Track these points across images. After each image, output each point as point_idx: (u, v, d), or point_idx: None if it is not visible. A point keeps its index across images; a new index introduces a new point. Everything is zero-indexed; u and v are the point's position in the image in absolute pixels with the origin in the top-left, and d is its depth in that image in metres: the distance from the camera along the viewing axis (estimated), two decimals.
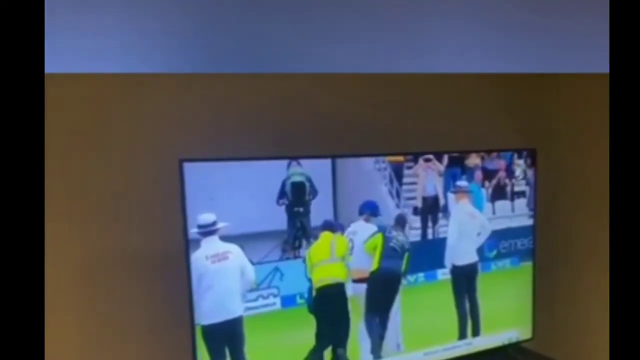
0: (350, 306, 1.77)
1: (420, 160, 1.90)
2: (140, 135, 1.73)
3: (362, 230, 1.80)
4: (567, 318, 2.43)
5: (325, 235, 1.73)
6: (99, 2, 0.97)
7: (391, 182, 1.86)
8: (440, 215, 1.94)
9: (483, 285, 2.04)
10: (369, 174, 1.83)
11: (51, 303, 1.61)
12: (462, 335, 2.01)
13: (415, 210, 1.90)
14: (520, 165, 2.08)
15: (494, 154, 2.04)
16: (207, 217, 1.55)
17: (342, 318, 1.76)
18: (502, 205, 2.07)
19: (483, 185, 2.02)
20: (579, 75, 2.23)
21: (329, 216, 1.74)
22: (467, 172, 1.98)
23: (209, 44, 1.29)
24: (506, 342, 2.09)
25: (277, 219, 1.66)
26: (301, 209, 1.69)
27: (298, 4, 1.02)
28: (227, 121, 1.85)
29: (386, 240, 1.82)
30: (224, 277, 1.60)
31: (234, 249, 1.60)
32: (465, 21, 1.18)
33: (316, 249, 1.72)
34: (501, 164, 2.06)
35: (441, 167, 1.93)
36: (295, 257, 1.70)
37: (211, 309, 1.60)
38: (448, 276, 1.97)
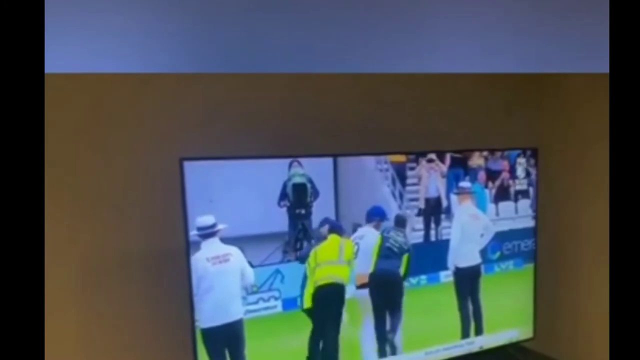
0: (346, 308, 1.75)
1: (423, 161, 1.89)
2: (140, 135, 1.73)
3: (370, 235, 1.80)
4: (568, 318, 2.43)
5: (334, 238, 1.73)
6: (99, 2, 0.97)
7: (393, 183, 1.85)
8: (443, 216, 1.93)
9: (485, 286, 2.03)
10: (370, 175, 1.82)
11: (51, 303, 1.60)
12: (464, 336, 2.00)
13: (418, 212, 1.89)
14: (522, 164, 2.07)
15: (498, 154, 2.03)
16: (206, 220, 1.54)
17: (337, 318, 1.75)
18: (506, 206, 2.06)
19: (486, 186, 2.01)
20: (579, 75, 2.23)
21: (331, 217, 1.74)
22: (470, 172, 1.97)
23: (209, 44, 1.29)
24: (507, 341, 2.09)
25: (279, 220, 1.66)
26: (303, 211, 1.68)
27: (298, 5, 1.02)
28: (227, 121, 1.85)
29: (383, 240, 1.82)
30: (225, 280, 1.59)
31: (234, 251, 1.59)
32: (466, 21, 1.18)
33: (324, 248, 1.72)
34: (504, 164, 2.05)
35: (444, 168, 1.92)
36: (297, 260, 1.69)
37: (211, 311, 1.59)
38: (451, 278, 1.96)
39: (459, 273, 1.97)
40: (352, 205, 1.77)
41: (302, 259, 1.70)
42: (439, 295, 1.96)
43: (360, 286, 1.80)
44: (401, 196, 1.86)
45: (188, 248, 1.54)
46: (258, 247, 1.63)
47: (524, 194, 2.09)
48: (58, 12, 0.97)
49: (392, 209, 1.85)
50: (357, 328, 1.80)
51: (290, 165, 1.66)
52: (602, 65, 1.54)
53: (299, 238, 1.69)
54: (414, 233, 1.89)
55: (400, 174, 1.86)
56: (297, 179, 1.67)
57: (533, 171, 2.09)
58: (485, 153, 2.01)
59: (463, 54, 1.51)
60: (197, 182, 1.52)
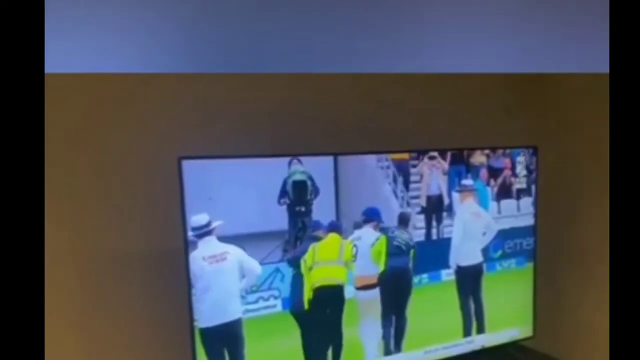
0: (345, 310, 1.74)
1: (425, 159, 1.88)
2: (140, 135, 1.73)
3: (368, 236, 1.78)
4: (568, 316, 2.43)
5: (334, 237, 1.72)
6: (99, 2, 0.97)
7: (395, 181, 1.84)
8: (444, 214, 1.92)
9: (487, 284, 2.03)
10: (371, 173, 1.81)
11: (50, 303, 1.60)
12: (466, 335, 2.00)
13: (420, 210, 1.89)
14: (522, 163, 2.07)
15: (500, 152, 2.02)
16: (200, 219, 1.53)
17: (336, 320, 1.74)
18: (508, 204, 2.05)
19: (488, 184, 2.00)
20: (579, 75, 2.23)
21: (332, 216, 1.72)
22: (472, 170, 1.96)
23: (209, 44, 1.29)
24: (506, 340, 2.09)
25: (278, 218, 1.64)
26: (303, 209, 1.67)
27: (298, 5, 1.02)
28: (227, 122, 1.85)
29: (390, 239, 1.81)
30: (222, 279, 1.58)
31: (232, 249, 1.58)
32: (466, 21, 1.18)
33: (324, 247, 1.70)
34: (506, 162, 2.03)
35: (446, 166, 1.91)
36: (297, 258, 1.68)
37: (209, 311, 1.58)
38: (452, 277, 1.96)
39: (461, 272, 1.96)
40: (353, 203, 1.76)
41: (297, 259, 1.68)
42: (441, 294, 1.95)
43: (361, 288, 1.78)
44: (403, 194, 1.85)
45: (187, 247, 1.53)
46: (258, 246, 1.62)
47: (525, 191, 2.08)
48: (58, 11, 0.97)
49: (394, 207, 1.84)
50: (356, 328, 1.78)
51: (290, 163, 1.65)
52: (602, 65, 1.54)
53: (298, 236, 1.68)
54: (416, 231, 1.88)
55: (402, 172, 1.85)
56: (298, 176, 1.65)
57: (533, 169, 2.09)
58: (487, 151, 1.99)
59: (463, 54, 1.51)
60: (196, 181, 1.51)
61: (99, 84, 1.66)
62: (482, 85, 2.32)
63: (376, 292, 1.80)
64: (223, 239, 1.57)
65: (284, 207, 1.65)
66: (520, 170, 2.06)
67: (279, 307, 1.67)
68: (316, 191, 1.68)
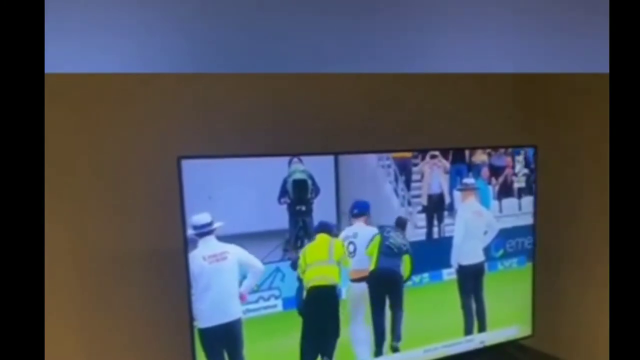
0: (341, 309, 1.74)
1: (426, 157, 1.87)
2: (140, 135, 1.73)
3: (363, 232, 1.78)
4: (567, 315, 2.43)
5: (323, 237, 1.71)
6: (99, 2, 0.97)
7: (396, 180, 1.83)
8: (446, 213, 1.92)
9: (488, 283, 2.03)
10: (372, 172, 1.81)
11: (50, 303, 1.61)
12: (466, 333, 2.00)
13: (421, 209, 1.88)
14: (521, 162, 2.07)
15: (501, 150, 2.01)
16: (201, 218, 1.52)
17: (332, 320, 1.73)
18: (509, 203, 2.05)
19: (490, 183, 2.00)
20: (579, 75, 2.23)
21: (332, 215, 1.72)
22: (474, 169, 1.96)
23: (209, 43, 1.29)
24: (506, 339, 2.09)
25: (279, 218, 1.64)
26: (303, 208, 1.66)
27: (298, 5, 1.02)
28: (227, 122, 1.85)
29: (383, 239, 1.80)
30: (222, 278, 1.57)
31: (232, 248, 1.57)
32: (466, 21, 1.18)
33: (313, 249, 1.69)
34: (508, 161, 2.03)
35: (447, 164, 1.90)
36: (297, 258, 1.68)
37: (209, 311, 1.57)
38: (454, 276, 1.95)
39: (462, 271, 1.96)
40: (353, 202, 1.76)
41: (296, 263, 1.68)
42: (442, 294, 1.95)
43: (356, 280, 1.77)
44: (404, 193, 1.84)
45: (186, 247, 1.53)
46: (258, 245, 1.61)
47: (527, 190, 2.08)
48: (58, 11, 0.97)
49: (395, 206, 1.84)
50: (348, 325, 1.77)
51: (290, 162, 1.64)
52: (602, 65, 1.54)
53: (299, 236, 1.67)
54: (417, 230, 1.87)
55: (403, 171, 1.84)
56: (298, 175, 1.65)
57: (532, 169, 2.09)
58: (488, 149, 1.99)
59: (463, 54, 1.51)
60: (196, 180, 1.51)
61: (99, 84, 1.66)
62: (482, 85, 2.32)
63: (364, 286, 1.80)
64: (223, 238, 1.56)
65: (285, 206, 1.64)
66: (520, 169, 2.06)
67: (280, 307, 1.67)
68: (317, 190, 1.68)
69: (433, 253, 1.92)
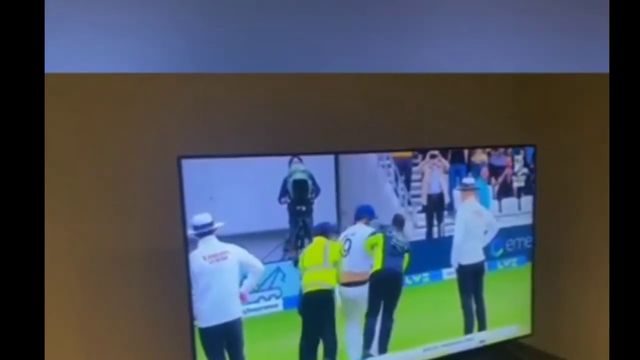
0: (337, 314, 1.73)
1: (426, 157, 1.88)
2: (140, 135, 1.73)
3: (362, 231, 1.78)
4: (567, 315, 2.43)
5: (319, 241, 1.70)
6: (99, 2, 0.97)
7: (396, 179, 1.83)
8: (445, 213, 1.92)
9: (488, 283, 2.03)
10: (372, 172, 1.81)
11: (50, 303, 1.61)
12: (465, 332, 2.00)
13: (421, 208, 1.88)
14: (520, 162, 2.07)
15: (501, 150, 2.02)
16: (202, 218, 1.53)
17: (328, 325, 1.72)
18: (509, 202, 2.05)
19: (489, 182, 2.00)
20: (579, 75, 2.23)
21: (332, 214, 1.72)
22: (473, 168, 1.96)
23: (209, 43, 1.29)
24: (505, 338, 2.09)
25: (279, 218, 1.64)
26: (304, 208, 1.66)
27: (299, 5, 1.02)
28: (227, 121, 1.85)
29: (387, 239, 1.80)
30: (222, 278, 1.57)
31: (232, 248, 1.57)
32: (466, 21, 1.18)
33: (309, 253, 1.69)
34: (507, 160, 2.04)
35: (447, 164, 1.91)
36: (298, 258, 1.68)
37: (209, 311, 1.57)
38: (453, 276, 1.96)
39: (462, 270, 1.96)
40: (354, 202, 1.76)
41: (297, 261, 1.68)
42: (442, 293, 1.95)
43: (347, 284, 1.76)
44: (403, 193, 1.84)
45: (187, 247, 1.53)
46: (258, 245, 1.61)
47: (527, 190, 2.08)
48: (58, 11, 0.97)
49: (395, 206, 1.84)
50: (342, 327, 1.77)
51: (290, 162, 1.64)
52: (602, 65, 1.54)
53: (299, 236, 1.67)
54: (417, 230, 1.88)
55: (403, 171, 1.84)
56: (298, 175, 1.65)
57: (532, 168, 2.09)
58: (488, 149, 1.99)
59: (463, 54, 1.51)
60: (196, 180, 1.51)
61: (99, 84, 1.66)
62: (482, 85, 2.32)
63: (363, 289, 1.79)
64: (223, 238, 1.57)
65: (285, 206, 1.64)
66: (520, 168, 2.07)
67: (280, 307, 1.67)
68: (317, 190, 1.68)
69: (433, 253, 1.92)
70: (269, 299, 1.65)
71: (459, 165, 1.94)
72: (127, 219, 1.73)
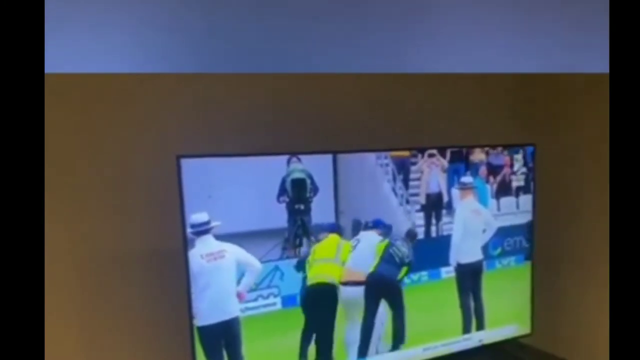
0: (339, 307, 1.75)
1: (425, 156, 1.88)
2: (139, 134, 1.73)
3: (372, 238, 1.79)
4: (567, 314, 2.43)
5: (333, 237, 1.73)
6: (99, 2, 0.97)
7: (394, 178, 1.84)
8: (444, 212, 1.92)
9: (486, 282, 2.03)
10: (371, 171, 1.81)
11: (50, 303, 1.61)
12: (464, 332, 2.00)
13: (419, 207, 1.88)
14: (519, 161, 2.07)
15: (499, 149, 2.02)
16: (199, 217, 1.53)
17: (330, 317, 1.74)
18: (507, 201, 2.05)
19: (488, 181, 2.00)
20: (579, 75, 2.23)
21: (331, 213, 1.73)
22: (472, 167, 1.96)
23: (209, 43, 1.29)
24: (504, 337, 2.09)
25: (277, 216, 1.64)
26: (302, 207, 1.67)
27: (299, 5, 1.02)
28: (227, 121, 1.85)
29: (388, 246, 1.81)
30: (220, 277, 1.58)
31: (230, 247, 1.58)
32: (466, 21, 1.18)
33: (322, 246, 1.71)
34: (506, 159, 2.04)
35: (445, 163, 1.91)
36: (296, 256, 1.69)
37: (208, 309, 1.58)
38: (452, 274, 1.96)
39: (461, 269, 1.96)
40: (352, 201, 1.76)
41: (303, 259, 1.69)
42: (440, 292, 1.95)
43: (347, 283, 1.77)
44: (402, 192, 1.84)
45: (186, 246, 1.53)
46: (257, 244, 1.62)
47: (525, 189, 2.08)
48: (58, 11, 0.97)
49: (394, 205, 1.84)
50: (343, 325, 1.78)
51: (289, 161, 1.65)
52: (602, 65, 1.54)
53: (298, 234, 1.68)
54: (416, 229, 1.88)
55: (401, 170, 1.84)
56: (297, 174, 1.65)
57: (531, 168, 2.09)
58: (486, 148, 2.00)
59: (463, 54, 1.51)
60: (195, 180, 1.51)
61: (99, 84, 1.66)
62: (482, 85, 2.32)
63: (360, 290, 1.79)
64: (222, 237, 1.57)
65: (283, 205, 1.65)
66: (519, 168, 2.07)
67: (279, 305, 1.67)
68: (315, 189, 1.68)
69: (431, 251, 1.92)
70: (267, 297, 1.65)
71: (458, 164, 1.94)
72: (127, 219, 1.73)
